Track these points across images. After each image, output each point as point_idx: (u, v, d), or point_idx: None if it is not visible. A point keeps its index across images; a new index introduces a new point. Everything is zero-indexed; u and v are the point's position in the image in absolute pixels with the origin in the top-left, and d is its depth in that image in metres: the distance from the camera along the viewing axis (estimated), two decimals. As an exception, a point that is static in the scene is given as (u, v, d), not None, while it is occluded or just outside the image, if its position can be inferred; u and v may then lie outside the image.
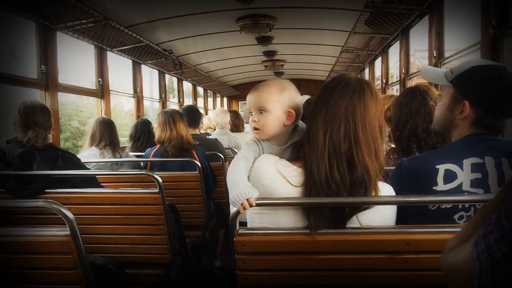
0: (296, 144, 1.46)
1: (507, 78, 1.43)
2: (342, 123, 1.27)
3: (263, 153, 1.47)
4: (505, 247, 0.64)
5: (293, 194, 1.32)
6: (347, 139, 1.26)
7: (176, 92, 8.26)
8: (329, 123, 1.28)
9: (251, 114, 1.47)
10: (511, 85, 1.42)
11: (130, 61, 5.87)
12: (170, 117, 3.33)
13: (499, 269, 0.64)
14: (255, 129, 1.45)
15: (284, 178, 1.33)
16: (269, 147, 1.48)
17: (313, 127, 1.31)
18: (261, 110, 1.44)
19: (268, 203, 1.33)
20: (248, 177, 1.37)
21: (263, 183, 1.34)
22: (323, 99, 1.32)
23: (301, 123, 1.51)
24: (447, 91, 1.54)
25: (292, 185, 1.32)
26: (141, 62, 5.99)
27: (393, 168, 1.64)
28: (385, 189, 1.36)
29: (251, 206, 1.28)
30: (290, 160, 1.39)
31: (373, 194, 1.31)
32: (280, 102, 1.43)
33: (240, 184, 1.30)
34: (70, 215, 1.46)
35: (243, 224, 1.41)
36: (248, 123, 1.69)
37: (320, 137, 1.28)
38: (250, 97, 1.46)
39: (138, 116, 5.78)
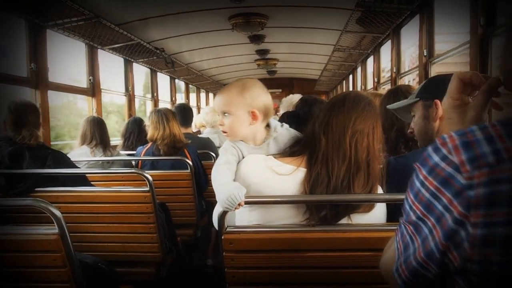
0: (291, 141, 1.49)
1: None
2: (348, 134, 1.32)
3: (242, 155, 1.47)
4: (409, 227, 0.69)
5: (287, 184, 1.33)
6: (366, 149, 1.33)
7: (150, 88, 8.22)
8: (335, 132, 1.33)
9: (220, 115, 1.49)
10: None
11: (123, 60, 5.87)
12: (163, 116, 3.32)
13: (408, 250, 0.69)
14: (224, 132, 1.47)
15: (275, 172, 1.34)
16: (247, 148, 1.49)
17: (337, 129, 1.34)
18: (225, 113, 1.45)
19: (258, 201, 1.33)
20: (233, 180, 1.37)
21: (254, 181, 1.35)
22: (333, 108, 1.36)
23: (273, 120, 1.52)
24: (416, 107, 1.63)
25: (283, 174, 1.34)
26: (132, 60, 5.97)
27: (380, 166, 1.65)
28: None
29: (241, 205, 1.28)
30: (277, 157, 1.40)
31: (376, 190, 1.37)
32: (241, 103, 1.43)
33: (228, 186, 1.29)
34: (57, 213, 1.47)
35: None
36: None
37: (323, 140, 1.33)
38: (215, 101, 1.49)
39: (130, 115, 5.76)
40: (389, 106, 1.79)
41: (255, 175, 1.36)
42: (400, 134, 2.02)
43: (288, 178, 1.33)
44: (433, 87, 1.57)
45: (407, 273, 0.69)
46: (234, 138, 1.48)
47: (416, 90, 1.67)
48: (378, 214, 1.36)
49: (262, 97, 1.46)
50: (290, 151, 1.43)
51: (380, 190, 1.40)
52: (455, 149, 0.63)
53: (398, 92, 2.06)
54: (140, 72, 6.83)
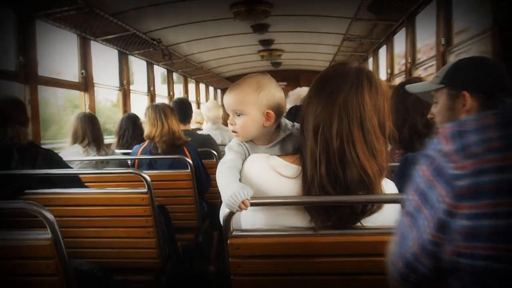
0: (290, 138, 1.48)
1: (491, 61, 1.54)
2: (335, 121, 1.24)
3: (248, 153, 1.48)
4: (407, 219, 0.73)
5: (290, 188, 1.32)
6: (338, 137, 1.24)
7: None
8: (322, 119, 1.26)
9: (229, 116, 1.49)
10: (497, 63, 1.52)
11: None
12: (161, 111, 3.32)
13: (404, 241, 0.73)
14: (234, 131, 1.47)
15: (278, 173, 1.33)
16: (254, 148, 1.49)
17: (305, 121, 1.31)
18: (237, 113, 1.45)
19: (263, 203, 1.32)
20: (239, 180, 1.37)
21: (255, 181, 1.34)
22: (316, 91, 1.31)
23: (284, 120, 1.52)
24: (440, 94, 1.57)
25: (287, 177, 1.32)
26: (127, 52, 5.96)
27: (398, 164, 1.65)
28: (388, 187, 1.36)
29: (246, 206, 1.27)
30: (281, 156, 1.40)
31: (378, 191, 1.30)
32: (256, 103, 1.43)
33: (232, 185, 1.29)
34: (50, 216, 1.45)
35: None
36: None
37: (310, 133, 1.28)
38: (225, 99, 1.47)
39: (124, 111, 5.76)
40: (408, 87, 1.76)
41: (257, 175, 1.36)
42: (413, 131, 2.01)
43: (291, 179, 1.33)
44: (462, 74, 1.50)
45: (401, 264, 0.71)
46: (245, 139, 1.48)
47: (440, 72, 1.59)
48: (393, 214, 1.34)
49: (277, 96, 1.46)
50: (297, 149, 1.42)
51: (393, 186, 1.39)
52: (445, 139, 0.66)
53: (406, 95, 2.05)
54: (136, 65, 6.85)
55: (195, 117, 6.38)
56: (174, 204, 3.16)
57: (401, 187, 1.41)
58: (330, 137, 1.24)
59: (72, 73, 4.85)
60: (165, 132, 3.29)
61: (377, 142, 1.26)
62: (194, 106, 9.54)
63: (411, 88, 1.73)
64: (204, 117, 4.94)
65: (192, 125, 5.92)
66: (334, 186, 1.26)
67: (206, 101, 10.97)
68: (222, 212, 1.38)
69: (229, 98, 1.46)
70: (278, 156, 1.40)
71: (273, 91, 1.45)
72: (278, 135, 1.50)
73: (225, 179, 1.33)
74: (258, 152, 1.47)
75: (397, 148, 2.12)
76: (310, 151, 1.28)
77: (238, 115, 1.45)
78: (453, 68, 1.54)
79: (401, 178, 1.50)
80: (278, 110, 1.46)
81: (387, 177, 2.14)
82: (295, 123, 1.54)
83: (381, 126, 1.28)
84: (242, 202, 1.26)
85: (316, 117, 1.27)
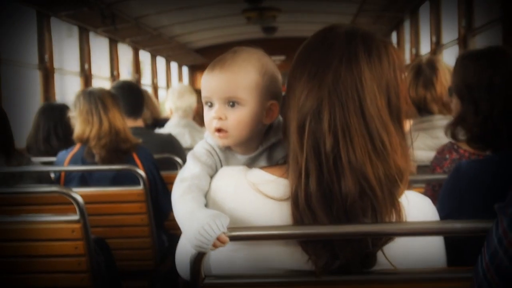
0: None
1: None
2: (325, 110, 1.23)
3: (220, 165, 1.48)
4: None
5: (280, 214, 1.31)
6: (331, 133, 1.22)
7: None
8: (308, 109, 1.25)
9: (209, 106, 1.46)
10: None
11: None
12: (98, 101, 3.29)
13: None
14: (219, 130, 1.44)
15: (261, 194, 1.33)
16: (230, 158, 1.49)
17: (287, 115, 1.31)
18: (231, 102, 1.43)
19: (245, 236, 1.31)
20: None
21: (228, 207, 1.34)
22: (296, 71, 1.31)
23: (278, 118, 1.52)
24: None
25: (275, 198, 1.32)
26: (50, 14, 5.93)
27: (447, 176, 1.66)
28: (415, 204, 1.35)
29: (224, 242, 1.26)
30: (265, 168, 1.40)
31: (392, 216, 1.28)
32: (261, 90, 1.43)
33: (198, 214, 1.27)
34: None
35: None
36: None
37: (293, 132, 1.27)
38: (209, 80, 1.45)
39: (45, 99, 5.72)
40: None
41: (229, 197, 1.36)
42: (490, 125, 2.03)
43: (281, 202, 1.32)
44: None
45: None
46: (232, 142, 1.47)
47: None
48: (422, 240, 1.35)
49: (279, 81, 1.47)
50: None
51: (425, 203, 1.40)
52: None
53: (420, 68, 2.09)
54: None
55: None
56: (120, 237, 3.16)
57: (452, 209, 1.43)
58: (320, 135, 1.23)
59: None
60: (104, 132, 3.26)
61: (385, 132, 1.24)
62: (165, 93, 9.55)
63: None
64: (171, 105, 4.83)
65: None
66: (327, 207, 1.24)
67: (168, 85, 10.95)
68: (183, 253, 1.37)
69: (218, 80, 1.44)
70: (262, 168, 1.40)
71: (278, 75, 1.47)
72: (267, 139, 1.49)
73: (186, 207, 1.32)
74: (237, 164, 1.47)
75: (449, 151, 2.15)
76: (294, 158, 1.27)
77: (232, 106, 1.43)
78: None
79: (453, 196, 1.52)
80: (280, 101, 1.47)
81: (428, 192, 2.17)
82: None
83: (392, 109, 1.27)
84: (218, 237, 1.24)
85: (300, 108, 1.26)
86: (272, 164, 1.47)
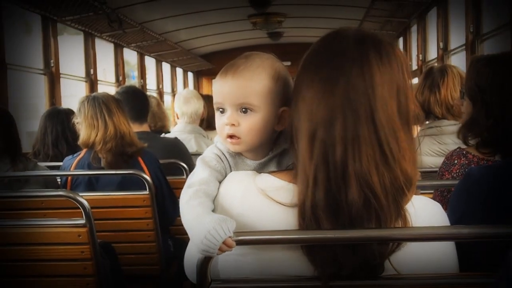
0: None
1: None
2: (338, 120, 1.22)
3: (230, 171, 1.48)
4: None
5: (289, 220, 1.31)
6: (343, 143, 1.22)
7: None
8: (318, 119, 1.24)
9: (221, 112, 1.45)
10: None
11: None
12: (103, 106, 3.29)
13: None
14: (231, 137, 1.44)
15: (270, 199, 1.32)
16: (240, 164, 1.49)
17: (296, 124, 1.30)
18: (244, 109, 1.43)
19: (252, 240, 1.31)
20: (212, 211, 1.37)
21: (236, 213, 1.34)
22: (305, 78, 1.30)
23: None
24: None
25: (284, 204, 1.31)
26: (55, 18, 5.95)
27: (455, 181, 1.65)
28: (426, 208, 1.34)
29: (230, 247, 1.26)
30: (274, 173, 1.40)
31: (398, 224, 1.27)
32: (274, 95, 1.43)
33: (205, 219, 1.27)
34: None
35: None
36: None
37: (303, 140, 1.26)
38: (223, 85, 1.45)
39: (51, 104, 5.73)
40: None
41: (237, 202, 1.36)
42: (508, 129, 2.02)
43: (291, 208, 1.32)
44: None
45: None
46: (245, 148, 1.47)
47: None
48: (433, 245, 1.33)
49: (292, 87, 1.45)
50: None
51: (435, 208, 1.39)
52: None
53: (431, 71, 2.10)
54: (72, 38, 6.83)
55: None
56: (125, 242, 3.15)
57: (462, 214, 1.41)
58: (330, 144, 1.22)
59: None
60: (109, 136, 3.26)
61: (395, 139, 1.24)
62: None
63: None
64: (177, 111, 4.85)
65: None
66: (333, 216, 1.24)
67: (173, 90, 10.95)
68: (191, 257, 1.37)
69: (230, 86, 1.43)
70: (271, 173, 1.40)
71: (290, 81, 1.46)
72: (277, 145, 1.49)
73: (193, 212, 1.32)
74: (246, 169, 1.47)
75: (458, 157, 2.14)
76: (302, 167, 1.27)
77: (244, 112, 1.43)
78: None
79: (462, 201, 1.51)
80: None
81: (437, 198, 2.16)
82: None
83: (402, 113, 1.26)
84: (224, 242, 1.24)
85: (311, 116, 1.25)
86: (280, 169, 1.47)
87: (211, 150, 1.51)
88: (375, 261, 1.26)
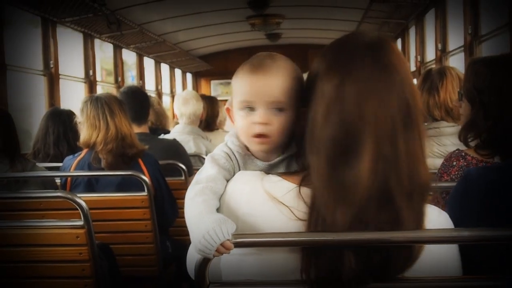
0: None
1: None
2: (397, 131, 1.23)
3: (239, 171, 1.47)
4: None
5: (292, 221, 1.30)
6: (371, 146, 1.22)
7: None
8: (379, 130, 1.22)
9: (249, 110, 1.42)
10: None
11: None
12: (104, 107, 3.29)
13: None
14: (261, 136, 1.42)
15: (275, 200, 1.32)
16: (249, 163, 1.49)
17: (354, 131, 1.24)
18: (276, 107, 1.41)
19: (253, 242, 1.31)
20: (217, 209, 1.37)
21: (243, 212, 1.34)
22: (328, 78, 1.29)
23: None
24: None
25: (296, 217, 1.29)
26: (55, 19, 5.95)
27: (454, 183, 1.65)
28: (433, 217, 1.34)
29: (228, 249, 1.25)
30: (284, 175, 1.39)
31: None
32: (299, 95, 1.42)
33: (205, 218, 1.27)
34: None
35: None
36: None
37: (367, 158, 1.22)
38: (254, 83, 1.42)
39: (51, 105, 5.73)
40: None
41: (244, 202, 1.36)
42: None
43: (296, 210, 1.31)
44: None
45: None
46: (272, 148, 1.46)
47: None
48: (438, 250, 1.33)
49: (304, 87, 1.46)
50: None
51: (441, 217, 1.39)
52: None
53: (429, 74, 2.10)
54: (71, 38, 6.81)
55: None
56: (124, 243, 3.16)
57: (459, 217, 1.41)
58: (391, 153, 1.22)
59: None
60: (110, 137, 3.26)
61: (420, 145, 1.27)
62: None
63: None
64: (177, 112, 4.83)
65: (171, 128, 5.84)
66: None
67: (172, 91, 10.95)
68: (192, 257, 1.36)
69: (264, 83, 1.41)
70: (279, 174, 1.39)
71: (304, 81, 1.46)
72: (290, 147, 1.48)
73: (196, 209, 1.32)
74: (255, 170, 1.46)
75: (457, 158, 2.15)
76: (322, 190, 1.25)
77: (277, 111, 1.41)
78: None
79: (460, 205, 1.51)
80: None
81: (435, 200, 2.16)
82: None
83: (413, 115, 1.27)
84: (222, 244, 1.24)
85: (372, 131, 1.23)
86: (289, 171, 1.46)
87: (221, 148, 1.50)
88: (391, 267, 1.27)
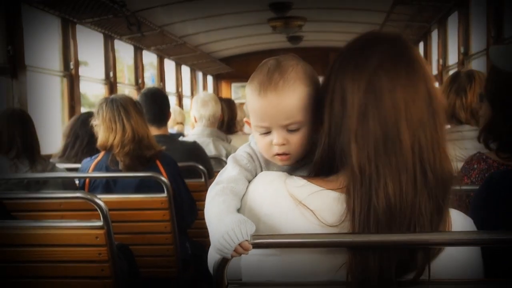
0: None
1: None
2: (427, 125, 1.27)
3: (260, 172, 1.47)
4: None
5: (316, 223, 1.30)
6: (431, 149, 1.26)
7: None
8: (415, 125, 1.25)
9: (266, 132, 1.42)
10: None
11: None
12: (120, 108, 3.29)
13: None
14: (281, 155, 1.43)
15: (304, 207, 1.30)
16: (272, 165, 1.49)
17: (391, 128, 1.26)
18: (291, 128, 1.41)
19: (273, 243, 1.31)
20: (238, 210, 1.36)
21: (266, 213, 1.34)
22: (349, 80, 1.30)
23: None
24: None
25: (321, 221, 1.29)
26: (75, 21, 5.99)
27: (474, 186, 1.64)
28: (458, 221, 1.34)
29: (246, 250, 1.25)
30: (307, 178, 1.38)
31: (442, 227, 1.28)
32: (314, 102, 1.41)
33: (225, 218, 1.27)
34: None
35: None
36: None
37: (407, 148, 1.24)
38: (265, 106, 1.40)
39: (71, 107, 5.76)
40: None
41: (266, 204, 1.35)
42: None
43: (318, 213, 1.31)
44: None
45: None
46: (295, 161, 1.46)
47: None
48: (460, 255, 1.32)
49: (319, 84, 1.45)
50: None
51: (465, 221, 1.38)
52: None
53: (458, 75, 2.09)
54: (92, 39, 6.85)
55: (174, 115, 6.23)
56: (143, 244, 3.17)
57: (483, 220, 1.40)
58: (426, 151, 1.26)
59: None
60: (127, 139, 3.25)
61: (443, 137, 1.31)
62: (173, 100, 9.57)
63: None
64: (196, 114, 4.80)
65: (170, 129, 5.87)
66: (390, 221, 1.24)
67: (192, 94, 10.96)
68: (211, 257, 1.36)
69: (275, 106, 1.39)
70: (304, 177, 1.38)
71: (318, 78, 1.45)
72: (313, 151, 1.44)
73: (216, 209, 1.32)
74: (277, 171, 1.45)
75: (478, 161, 2.13)
76: (407, 177, 1.25)
77: (293, 131, 1.41)
78: None
79: (484, 208, 1.50)
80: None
81: (455, 203, 2.15)
82: None
83: (441, 109, 1.33)
84: (240, 244, 1.24)
85: (410, 125, 1.25)
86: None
87: (244, 149, 1.50)
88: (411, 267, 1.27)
